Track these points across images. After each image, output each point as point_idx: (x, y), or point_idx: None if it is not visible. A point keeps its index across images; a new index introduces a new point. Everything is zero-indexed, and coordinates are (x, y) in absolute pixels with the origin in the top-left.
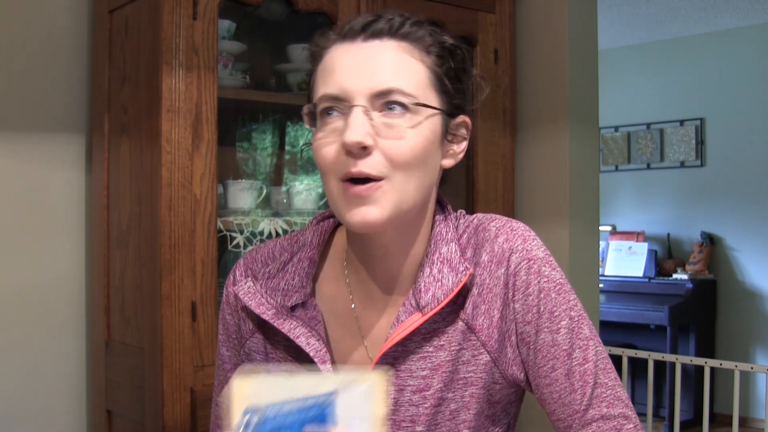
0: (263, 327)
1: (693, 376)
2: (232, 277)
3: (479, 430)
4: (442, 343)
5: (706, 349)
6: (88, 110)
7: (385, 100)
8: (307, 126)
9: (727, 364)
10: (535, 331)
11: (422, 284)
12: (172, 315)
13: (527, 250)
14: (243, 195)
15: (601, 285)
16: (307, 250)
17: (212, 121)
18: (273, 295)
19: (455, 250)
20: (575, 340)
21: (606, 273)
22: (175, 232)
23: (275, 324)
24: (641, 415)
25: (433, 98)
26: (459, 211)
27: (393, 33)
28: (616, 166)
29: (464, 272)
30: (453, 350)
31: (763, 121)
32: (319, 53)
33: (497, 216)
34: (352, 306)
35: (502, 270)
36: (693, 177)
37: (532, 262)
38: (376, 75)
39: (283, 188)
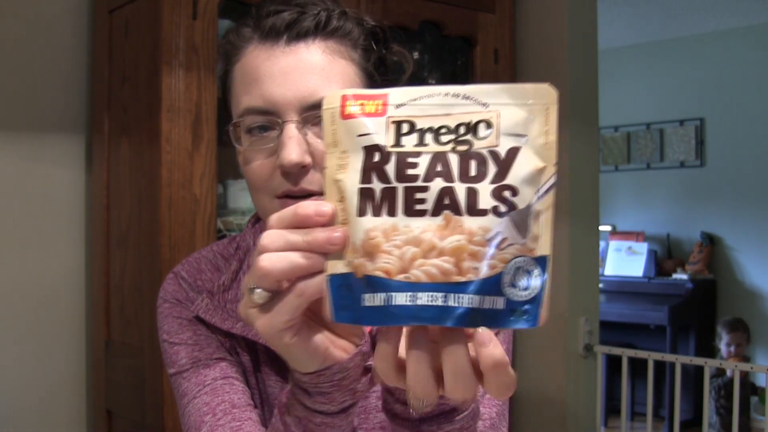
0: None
1: (693, 376)
2: (170, 284)
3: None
4: None
5: (706, 349)
6: (88, 110)
7: (318, 113)
8: (234, 143)
9: (726, 364)
10: None
11: None
12: None
13: None
14: (243, 195)
15: (601, 285)
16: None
17: (212, 121)
18: (233, 307)
19: None
20: None
21: (606, 273)
22: (175, 232)
23: (248, 336)
24: (641, 415)
25: None
26: None
27: (319, 31)
28: (616, 166)
29: None
30: None
31: (763, 121)
32: (235, 53)
33: None
34: None
35: None
36: (693, 177)
37: None
38: (306, 85)
39: None
